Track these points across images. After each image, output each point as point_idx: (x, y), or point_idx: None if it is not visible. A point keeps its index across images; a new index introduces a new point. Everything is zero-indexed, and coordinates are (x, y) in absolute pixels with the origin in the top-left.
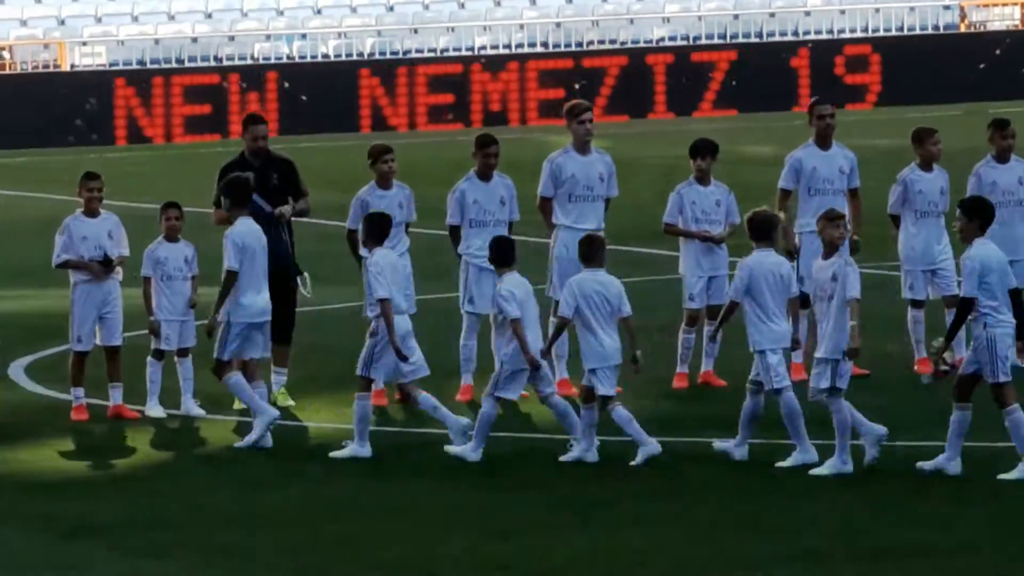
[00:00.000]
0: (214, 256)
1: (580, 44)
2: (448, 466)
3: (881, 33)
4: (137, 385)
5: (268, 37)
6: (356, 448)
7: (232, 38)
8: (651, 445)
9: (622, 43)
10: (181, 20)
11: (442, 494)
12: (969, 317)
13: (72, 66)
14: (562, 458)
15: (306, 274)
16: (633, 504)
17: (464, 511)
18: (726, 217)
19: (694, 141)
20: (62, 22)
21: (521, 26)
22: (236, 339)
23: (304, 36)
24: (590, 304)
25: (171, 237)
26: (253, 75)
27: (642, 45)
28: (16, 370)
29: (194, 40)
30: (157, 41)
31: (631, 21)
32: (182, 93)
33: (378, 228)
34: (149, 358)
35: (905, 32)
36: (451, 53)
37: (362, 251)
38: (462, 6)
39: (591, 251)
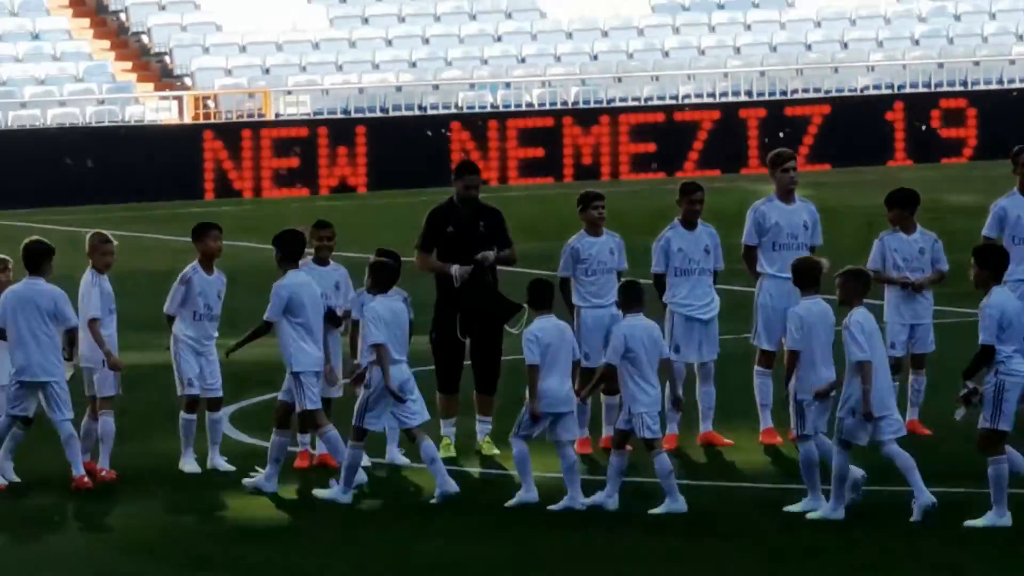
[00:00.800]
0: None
1: (784, 92)
2: (652, 516)
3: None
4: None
5: (472, 86)
6: (338, 493)
7: (436, 87)
8: (678, 503)
9: (825, 91)
10: (385, 69)
11: (649, 542)
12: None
13: (276, 115)
14: (584, 501)
15: (524, 308)
16: (840, 555)
17: (679, 559)
18: (932, 264)
19: (891, 191)
20: (267, 71)
21: (725, 75)
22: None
23: (508, 85)
24: (641, 349)
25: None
26: (456, 123)
27: (845, 93)
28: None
29: (398, 89)
30: (361, 90)
31: (835, 70)
32: (386, 142)
33: (385, 277)
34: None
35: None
36: (655, 102)
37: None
38: (666, 55)
39: (634, 298)
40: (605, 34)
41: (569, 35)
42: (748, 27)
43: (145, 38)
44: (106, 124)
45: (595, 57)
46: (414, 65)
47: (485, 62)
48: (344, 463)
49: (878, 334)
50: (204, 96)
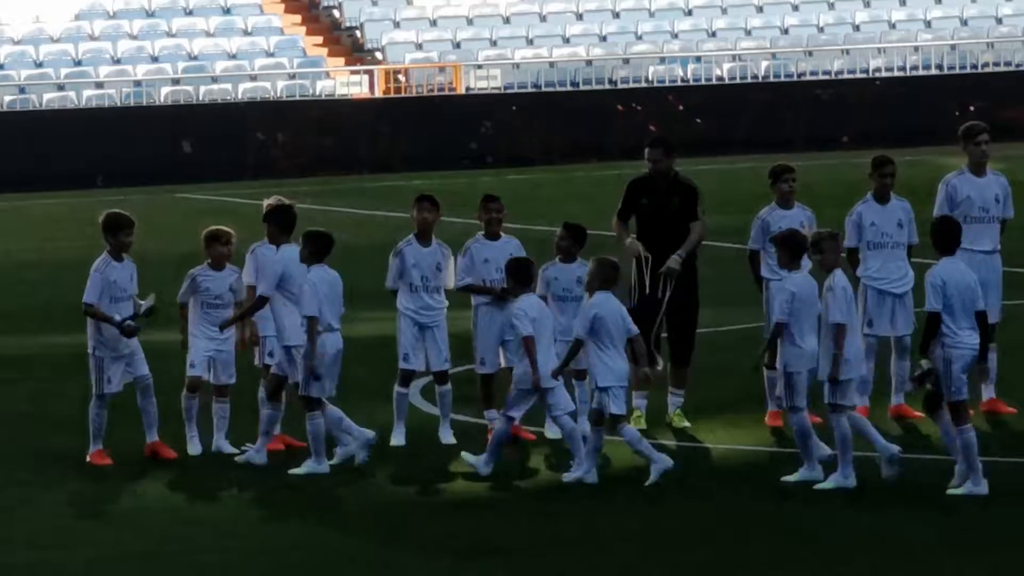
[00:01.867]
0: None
1: (975, 66)
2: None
3: None
4: (536, 408)
5: (662, 60)
6: (313, 465)
7: (626, 61)
8: (662, 461)
9: (1016, 64)
10: (576, 43)
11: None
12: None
13: (467, 89)
14: (564, 477)
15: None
16: None
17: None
18: None
19: None
20: (458, 45)
21: (916, 48)
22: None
23: (698, 59)
24: (607, 325)
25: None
26: (646, 98)
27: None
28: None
29: (588, 63)
30: (552, 64)
31: None
32: (575, 116)
33: (323, 246)
34: None
35: None
36: (845, 76)
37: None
38: (856, 28)
39: (613, 276)
40: (796, 8)
41: (759, 9)
42: (939, 0)
43: (336, 12)
44: (296, 99)
45: (786, 31)
46: (604, 39)
47: (675, 36)
48: (309, 436)
49: (854, 300)
50: (395, 70)
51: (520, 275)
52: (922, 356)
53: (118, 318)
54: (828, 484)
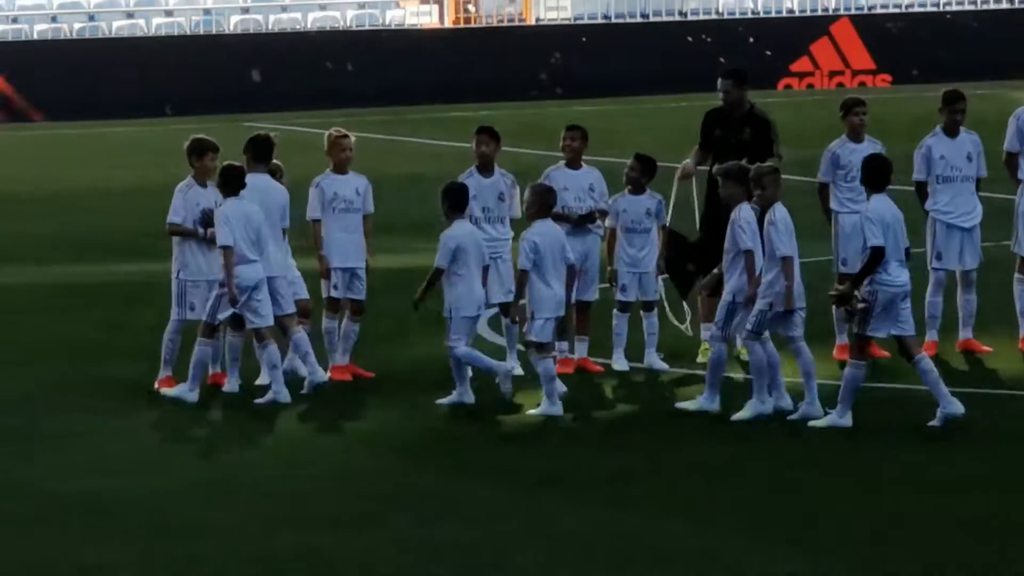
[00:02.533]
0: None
1: None
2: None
3: None
4: (603, 339)
5: None
6: (184, 390)
7: None
8: (557, 406)
9: None
10: None
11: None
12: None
13: (537, 20)
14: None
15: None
16: None
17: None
18: None
19: None
20: None
21: None
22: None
23: None
24: (548, 254)
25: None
26: (717, 29)
27: None
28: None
29: None
30: None
31: None
32: (644, 47)
33: (459, 199)
34: (614, 311)
35: None
36: (916, 9)
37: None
38: None
39: (549, 202)
40: None
41: None
42: None
43: None
44: (367, 28)
45: None
46: None
47: None
48: (193, 360)
49: (793, 232)
50: (464, 0)
51: (455, 201)
52: (854, 289)
53: (202, 231)
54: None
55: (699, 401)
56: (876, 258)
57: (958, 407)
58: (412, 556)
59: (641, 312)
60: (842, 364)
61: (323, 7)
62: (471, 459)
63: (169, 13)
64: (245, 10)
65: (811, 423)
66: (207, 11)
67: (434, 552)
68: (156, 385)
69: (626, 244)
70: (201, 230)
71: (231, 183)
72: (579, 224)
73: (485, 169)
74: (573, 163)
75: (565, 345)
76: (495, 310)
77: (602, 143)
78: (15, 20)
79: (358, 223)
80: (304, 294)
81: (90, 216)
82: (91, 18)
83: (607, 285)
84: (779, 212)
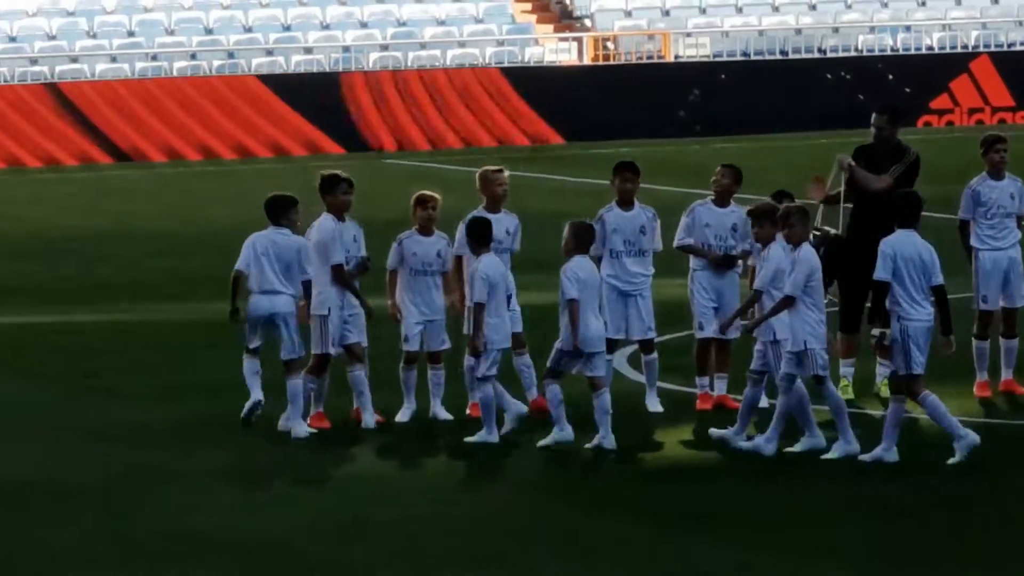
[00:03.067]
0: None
1: None
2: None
3: None
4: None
5: (871, 29)
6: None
7: (836, 30)
8: (494, 434)
9: None
10: (785, 12)
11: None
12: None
13: (676, 57)
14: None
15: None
16: None
17: None
18: None
19: None
20: (667, 13)
21: None
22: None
23: (908, 28)
24: (500, 283)
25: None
26: (856, 66)
27: None
28: (619, 360)
29: (798, 32)
30: (761, 33)
31: None
32: (782, 84)
33: (482, 232)
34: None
35: None
36: None
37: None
38: None
39: (587, 239)
40: None
41: None
42: None
43: None
44: (505, 65)
45: (996, 1)
46: (813, 7)
47: (885, 5)
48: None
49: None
50: (603, 38)
51: (480, 235)
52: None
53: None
54: (833, 453)
55: (756, 442)
56: (880, 292)
57: (975, 437)
58: None
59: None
60: (982, 400)
61: (462, 44)
62: (608, 496)
63: (308, 50)
64: (384, 47)
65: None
66: (346, 48)
67: None
68: (307, 421)
69: None
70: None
71: (481, 239)
72: (719, 265)
73: (626, 204)
74: (720, 201)
75: (706, 381)
76: (634, 347)
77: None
78: (75, 60)
79: (507, 262)
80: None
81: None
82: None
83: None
84: (803, 251)
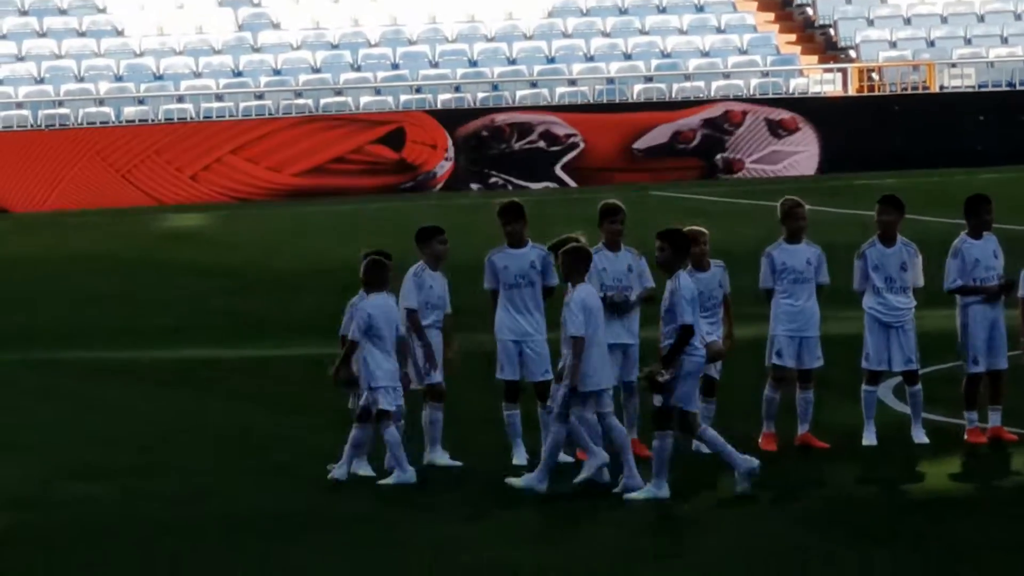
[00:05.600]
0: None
1: None
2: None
3: None
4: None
5: None
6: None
7: None
8: (408, 472)
9: None
10: None
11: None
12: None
13: (941, 87)
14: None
15: None
16: None
17: None
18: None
19: None
20: (932, 43)
21: None
22: None
23: None
24: (385, 326)
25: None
26: None
27: None
28: (884, 391)
29: None
30: None
31: None
32: None
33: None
34: None
35: None
36: None
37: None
38: None
39: (382, 277)
40: None
41: None
42: None
43: (809, 10)
44: (769, 96)
45: None
46: None
47: None
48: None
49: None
50: (868, 68)
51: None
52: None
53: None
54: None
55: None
56: (686, 335)
57: (753, 462)
58: None
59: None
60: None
61: (726, 76)
62: (873, 524)
63: (572, 82)
64: (648, 79)
65: (627, 496)
66: (610, 80)
67: None
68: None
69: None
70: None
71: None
72: (996, 295)
73: (888, 239)
74: (886, 239)
75: (975, 415)
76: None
77: (1009, 210)
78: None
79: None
80: None
81: None
82: (495, 87)
83: (1018, 351)
84: (681, 280)
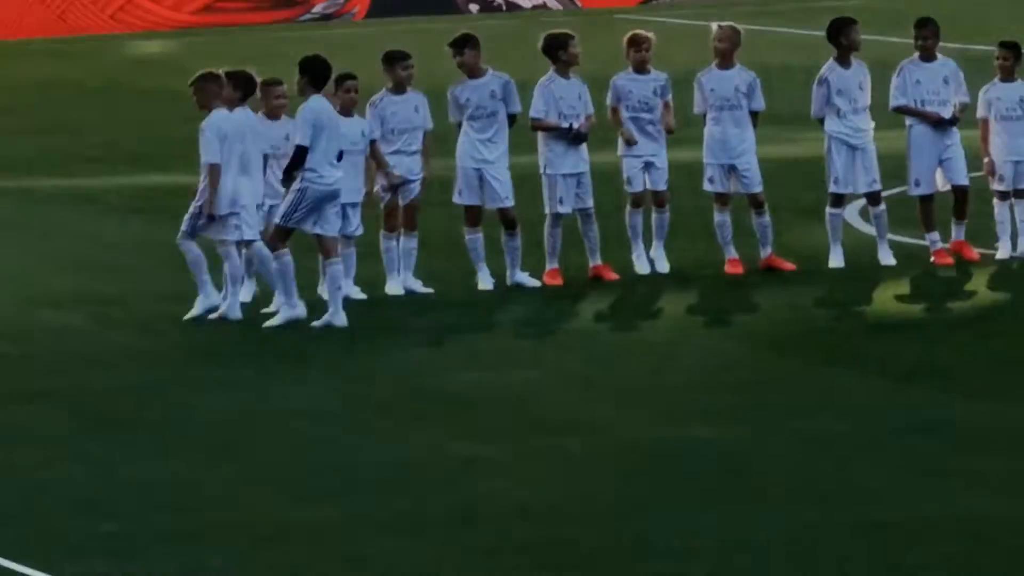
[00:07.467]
0: None
1: None
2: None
3: None
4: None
5: None
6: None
7: None
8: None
9: None
10: None
11: None
12: None
13: None
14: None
15: None
16: None
17: None
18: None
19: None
20: None
21: None
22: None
23: None
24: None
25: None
26: None
27: None
28: (851, 213)
29: None
30: None
31: None
32: None
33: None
34: (993, 200)
35: None
36: None
37: None
38: None
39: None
40: None
41: None
42: None
43: None
44: None
45: None
46: None
47: None
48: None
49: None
50: None
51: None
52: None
53: (566, 124)
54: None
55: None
56: (299, 156)
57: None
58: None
59: (1012, 200)
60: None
61: None
62: (842, 348)
63: None
64: None
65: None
66: None
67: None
68: (543, 277)
69: (1004, 133)
70: (577, 129)
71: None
72: (939, 124)
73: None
74: (927, 56)
75: (936, 236)
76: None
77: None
78: None
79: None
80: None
81: None
82: None
83: (979, 174)
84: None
